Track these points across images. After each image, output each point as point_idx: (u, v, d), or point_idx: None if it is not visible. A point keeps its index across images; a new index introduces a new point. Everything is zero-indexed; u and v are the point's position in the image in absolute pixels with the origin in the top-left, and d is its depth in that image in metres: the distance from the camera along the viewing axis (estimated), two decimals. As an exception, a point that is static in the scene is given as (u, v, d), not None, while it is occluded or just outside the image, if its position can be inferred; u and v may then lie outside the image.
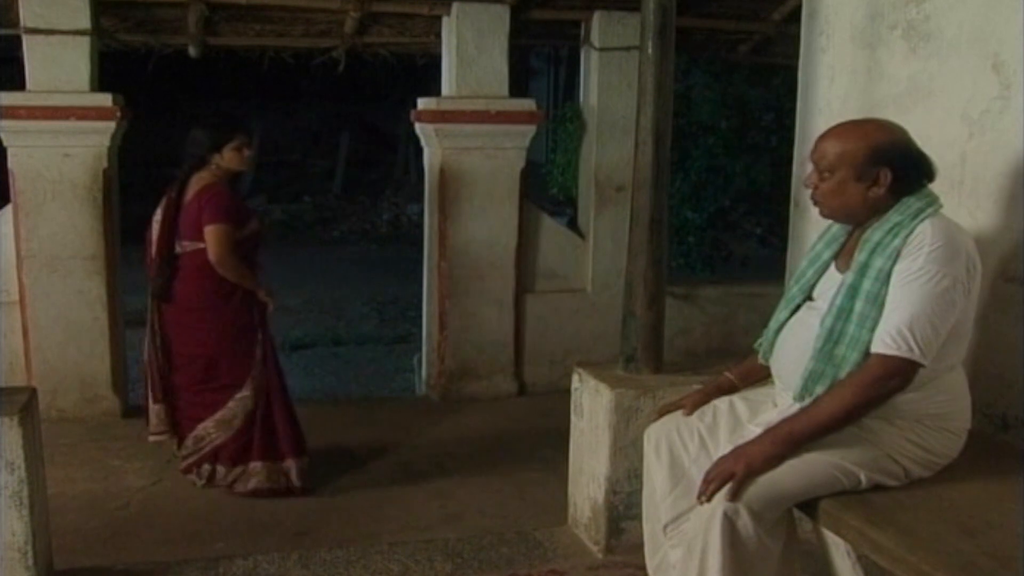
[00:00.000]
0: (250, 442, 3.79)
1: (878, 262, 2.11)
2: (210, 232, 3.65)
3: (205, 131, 3.79)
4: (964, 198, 2.62)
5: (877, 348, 2.06)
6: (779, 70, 5.93)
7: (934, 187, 2.22)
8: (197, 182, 3.75)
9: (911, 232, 2.09)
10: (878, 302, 2.10)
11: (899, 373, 2.05)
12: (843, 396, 2.08)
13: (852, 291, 2.14)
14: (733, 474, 2.07)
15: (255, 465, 3.80)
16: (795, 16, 3.80)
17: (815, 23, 3.20)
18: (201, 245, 3.70)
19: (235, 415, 3.78)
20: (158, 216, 3.80)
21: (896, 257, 2.09)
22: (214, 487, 3.82)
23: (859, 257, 2.16)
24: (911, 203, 2.14)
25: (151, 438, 3.92)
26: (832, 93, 3.12)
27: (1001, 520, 1.96)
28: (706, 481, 2.11)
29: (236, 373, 3.79)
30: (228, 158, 3.76)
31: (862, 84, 2.98)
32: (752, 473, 2.07)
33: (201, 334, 3.78)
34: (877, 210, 2.18)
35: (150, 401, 3.88)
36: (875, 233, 2.15)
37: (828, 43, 3.14)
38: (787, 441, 2.09)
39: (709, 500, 2.08)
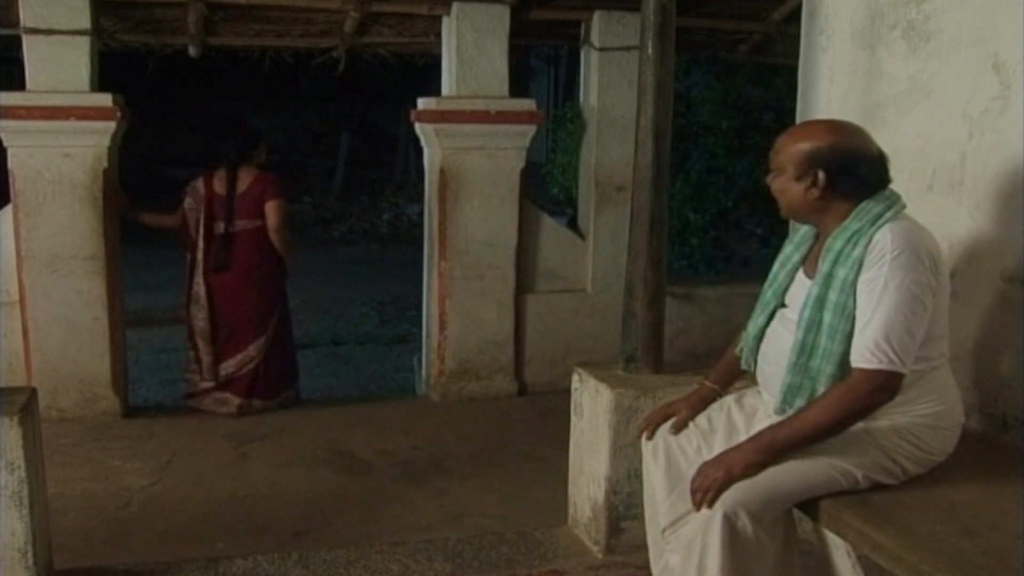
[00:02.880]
0: (256, 379, 4.75)
1: (841, 272, 2.11)
2: (274, 206, 4.62)
3: (247, 134, 4.78)
4: (964, 198, 2.62)
5: (858, 363, 2.06)
6: (780, 70, 5.93)
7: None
8: (248, 173, 4.67)
9: (870, 240, 2.08)
10: (846, 313, 2.09)
11: (884, 386, 2.05)
12: (828, 409, 2.07)
13: (820, 302, 2.14)
14: (716, 481, 2.08)
15: (257, 402, 4.78)
16: (795, 16, 3.80)
17: (815, 23, 3.21)
18: (259, 223, 4.63)
19: (252, 357, 4.72)
20: (192, 203, 4.71)
21: (859, 267, 2.08)
22: (241, 416, 4.70)
23: (823, 267, 2.15)
24: (870, 208, 2.13)
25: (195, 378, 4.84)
26: (832, 93, 3.12)
27: (1001, 520, 1.96)
28: (693, 490, 2.13)
29: (256, 330, 4.71)
30: (264, 150, 4.80)
31: (862, 84, 2.99)
32: (732, 480, 2.07)
33: (249, 296, 4.68)
34: (826, 213, 2.18)
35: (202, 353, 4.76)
36: (836, 242, 2.14)
37: (828, 43, 3.14)
38: (769, 450, 2.10)
39: (698, 509, 2.10)
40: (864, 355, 2.04)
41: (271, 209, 4.63)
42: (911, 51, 2.79)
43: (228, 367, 4.76)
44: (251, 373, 4.75)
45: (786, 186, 2.21)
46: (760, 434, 2.15)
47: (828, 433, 2.08)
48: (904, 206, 2.16)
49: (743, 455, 2.10)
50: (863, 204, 2.14)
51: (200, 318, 4.73)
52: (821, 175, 2.14)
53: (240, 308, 4.72)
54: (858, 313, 2.07)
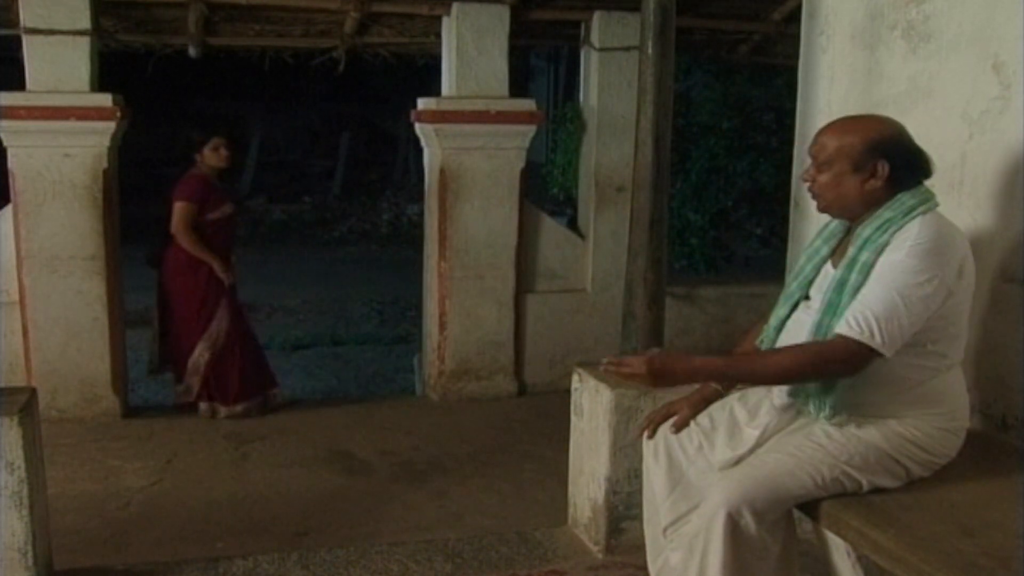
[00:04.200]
0: (207, 383, 4.79)
1: (864, 256, 2.12)
2: (175, 208, 4.65)
3: (189, 135, 4.81)
4: (964, 198, 2.62)
5: (840, 328, 2.06)
6: (780, 70, 5.93)
7: (934, 187, 2.21)
8: (186, 174, 4.77)
9: (900, 228, 2.09)
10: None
11: (854, 357, 2.04)
12: (793, 361, 2.09)
13: (840, 285, 2.14)
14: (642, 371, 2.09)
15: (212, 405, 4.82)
16: (795, 16, 3.80)
17: (815, 23, 3.20)
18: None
19: (198, 364, 4.75)
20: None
21: (881, 252, 2.09)
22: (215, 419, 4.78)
23: (850, 252, 2.17)
24: (905, 200, 2.13)
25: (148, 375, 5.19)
26: (832, 93, 3.12)
27: (1001, 520, 1.96)
28: (620, 369, 2.13)
29: (196, 332, 4.73)
30: (208, 156, 4.74)
31: (862, 84, 2.98)
32: (656, 375, 2.09)
33: (174, 295, 4.76)
34: (872, 204, 2.18)
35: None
36: (866, 229, 2.15)
37: (828, 43, 3.14)
38: (718, 374, 2.20)
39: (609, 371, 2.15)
40: (849, 322, 2.04)
41: (173, 210, 4.64)
42: (911, 51, 2.79)
43: (192, 377, 4.77)
44: (204, 377, 4.76)
45: (838, 180, 2.18)
46: (713, 359, 2.19)
47: (781, 382, 2.14)
48: (937, 204, 2.17)
49: (684, 375, 2.13)
50: (899, 196, 2.14)
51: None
52: (884, 165, 2.13)
53: (173, 304, 4.76)
54: (864, 288, 2.08)
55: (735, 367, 2.19)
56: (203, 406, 4.79)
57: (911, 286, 2.02)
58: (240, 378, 4.81)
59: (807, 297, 2.32)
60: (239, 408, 4.79)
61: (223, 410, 4.78)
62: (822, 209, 2.29)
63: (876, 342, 2.01)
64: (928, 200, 2.15)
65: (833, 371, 2.08)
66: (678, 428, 2.41)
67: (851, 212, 2.24)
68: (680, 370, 2.11)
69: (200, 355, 4.74)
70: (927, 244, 2.04)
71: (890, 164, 2.13)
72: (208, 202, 4.70)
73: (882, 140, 2.15)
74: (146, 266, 4.85)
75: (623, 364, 2.14)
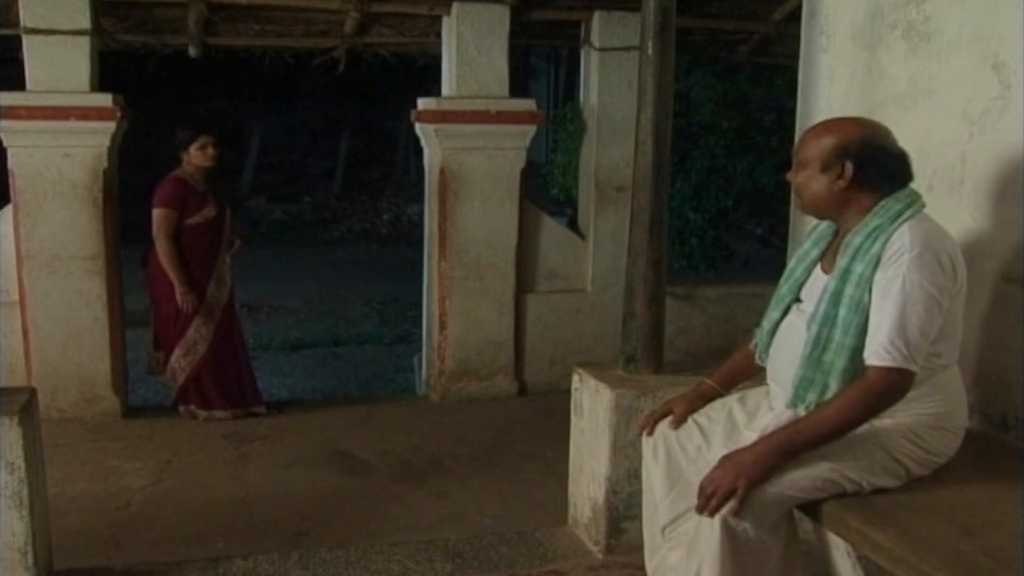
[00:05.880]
0: (186, 387, 4.72)
1: (859, 267, 2.12)
2: (153, 215, 4.52)
3: (176, 133, 4.65)
4: (964, 198, 2.62)
5: (872, 360, 2.06)
6: (781, 70, 5.93)
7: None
8: (166, 177, 4.62)
9: (890, 237, 2.10)
10: (860, 308, 2.11)
11: (896, 383, 2.05)
12: (844, 408, 2.07)
13: (836, 297, 2.15)
14: (734, 490, 2.03)
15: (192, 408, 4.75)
16: (795, 16, 3.80)
17: (815, 23, 3.21)
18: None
19: (174, 368, 4.69)
20: None
21: (876, 263, 2.09)
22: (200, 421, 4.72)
23: (841, 262, 2.17)
24: (890, 206, 2.14)
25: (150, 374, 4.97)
26: (832, 93, 3.12)
27: (1001, 520, 1.96)
28: (705, 496, 2.07)
29: (173, 337, 4.64)
30: (194, 155, 4.58)
31: (862, 84, 2.98)
32: (752, 487, 2.04)
33: (154, 298, 4.69)
34: (847, 207, 2.19)
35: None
36: (856, 237, 2.16)
37: (828, 43, 3.14)
38: (785, 451, 2.07)
39: (711, 515, 2.05)
40: (879, 353, 2.05)
41: (152, 217, 4.52)
42: (911, 51, 2.79)
43: (170, 380, 4.74)
44: (183, 384, 4.70)
45: (811, 179, 2.22)
46: (775, 435, 2.12)
47: (843, 432, 2.08)
48: (924, 205, 2.17)
49: (757, 458, 2.06)
50: (884, 202, 2.15)
51: None
52: (848, 167, 2.15)
53: (154, 306, 4.69)
54: (873, 310, 2.08)
55: (799, 438, 2.08)
56: (182, 409, 4.75)
57: (921, 299, 2.03)
58: (218, 391, 4.73)
59: (799, 300, 2.33)
60: (218, 414, 4.72)
61: (202, 413, 4.71)
62: (801, 207, 2.33)
63: (909, 362, 2.03)
64: (914, 203, 2.15)
65: (883, 404, 2.07)
66: (676, 424, 2.41)
67: (824, 212, 2.27)
68: (748, 459, 2.06)
69: (177, 360, 4.67)
70: (925, 251, 2.05)
71: (854, 166, 2.15)
72: (187, 206, 4.55)
73: (852, 142, 2.16)
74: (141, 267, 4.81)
75: (710, 495, 2.07)
